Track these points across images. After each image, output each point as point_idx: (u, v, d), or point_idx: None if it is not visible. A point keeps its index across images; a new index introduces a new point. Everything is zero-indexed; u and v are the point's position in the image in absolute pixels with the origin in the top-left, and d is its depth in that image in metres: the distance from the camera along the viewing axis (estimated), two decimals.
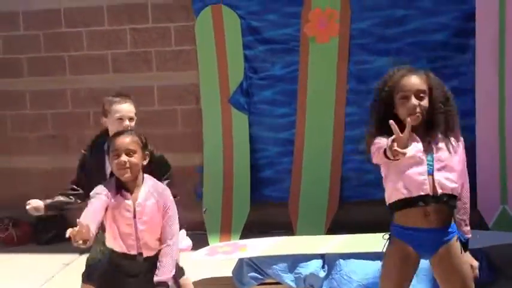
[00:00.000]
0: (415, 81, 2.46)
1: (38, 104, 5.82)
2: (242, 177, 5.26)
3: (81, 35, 5.66)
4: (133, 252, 2.63)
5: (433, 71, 4.91)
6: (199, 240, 4.83)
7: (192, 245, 4.54)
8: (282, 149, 5.31)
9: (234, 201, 5.27)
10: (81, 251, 5.22)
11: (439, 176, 2.42)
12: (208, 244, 4.98)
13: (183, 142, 5.52)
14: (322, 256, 3.99)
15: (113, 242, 2.66)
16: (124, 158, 2.58)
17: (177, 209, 2.81)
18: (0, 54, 5.82)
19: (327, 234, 4.91)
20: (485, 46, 4.78)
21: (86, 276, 3.20)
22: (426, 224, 2.44)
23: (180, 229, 4.55)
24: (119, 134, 2.69)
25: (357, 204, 5.13)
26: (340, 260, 3.94)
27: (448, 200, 2.44)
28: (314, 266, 3.94)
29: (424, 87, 2.46)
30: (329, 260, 3.96)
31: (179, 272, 2.88)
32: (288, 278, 3.94)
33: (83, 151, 3.28)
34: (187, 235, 4.52)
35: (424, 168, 2.42)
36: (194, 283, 4.26)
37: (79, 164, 3.25)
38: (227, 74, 5.35)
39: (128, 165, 2.58)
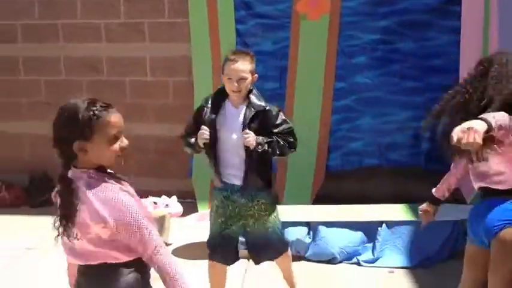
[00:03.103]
0: None
1: (31, 70, 5.89)
2: None
3: (75, 3, 5.71)
4: None
5: (419, 50, 5.20)
6: (188, 208, 5.03)
7: (182, 211, 4.74)
8: None
9: None
10: None
11: None
12: (197, 211, 5.16)
13: (174, 113, 5.64)
14: (307, 224, 4.20)
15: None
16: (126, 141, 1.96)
17: None
18: None
19: (312, 204, 5.11)
20: (470, 28, 4.97)
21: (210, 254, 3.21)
22: None
23: (172, 196, 4.79)
24: (111, 107, 1.94)
25: (342, 177, 5.33)
26: (324, 227, 4.16)
27: None
28: (300, 233, 4.16)
29: None
30: (313, 228, 4.18)
31: None
32: None
33: (202, 103, 3.16)
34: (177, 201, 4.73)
35: None
36: (184, 246, 4.49)
37: (195, 116, 3.17)
38: (219, 48, 5.45)
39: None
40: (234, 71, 3.04)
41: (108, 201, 1.86)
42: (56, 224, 1.92)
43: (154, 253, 1.87)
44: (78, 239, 1.90)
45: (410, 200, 4.49)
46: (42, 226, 4.99)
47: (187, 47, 5.55)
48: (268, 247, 3.17)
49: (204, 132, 3.03)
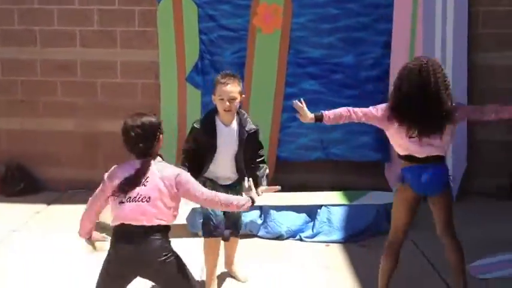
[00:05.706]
0: None
1: (10, 71, 6.41)
2: None
3: (53, 12, 6.27)
4: None
5: (358, 62, 5.99)
6: None
7: None
8: None
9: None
10: (49, 202, 5.91)
11: None
12: None
13: (142, 111, 6.23)
14: (260, 207, 4.94)
15: None
16: None
17: None
18: None
19: None
20: (399, 43, 5.86)
21: (207, 233, 3.63)
22: None
23: None
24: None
25: (291, 168, 6.12)
26: (274, 211, 4.91)
27: None
28: (253, 215, 4.89)
29: None
30: (265, 211, 4.92)
31: None
32: None
33: (194, 125, 3.60)
34: None
35: None
36: None
37: (190, 137, 3.59)
38: (184, 55, 6.13)
39: None
40: (225, 92, 3.49)
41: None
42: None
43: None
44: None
45: (344, 187, 5.43)
46: (22, 212, 5.55)
47: (155, 53, 6.19)
48: (236, 224, 3.85)
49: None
